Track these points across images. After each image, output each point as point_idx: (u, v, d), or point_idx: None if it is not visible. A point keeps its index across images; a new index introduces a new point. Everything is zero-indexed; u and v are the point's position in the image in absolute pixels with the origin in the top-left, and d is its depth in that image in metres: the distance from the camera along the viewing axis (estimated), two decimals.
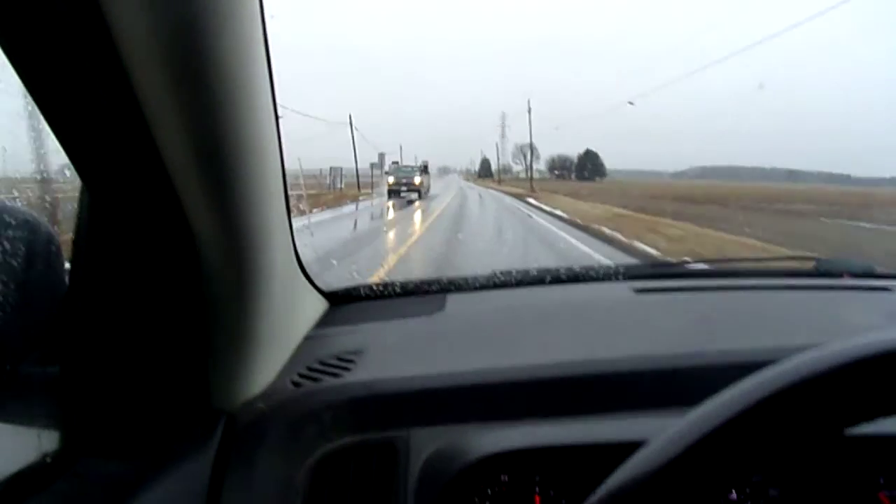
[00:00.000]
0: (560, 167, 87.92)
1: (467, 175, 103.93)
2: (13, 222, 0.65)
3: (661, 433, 0.38)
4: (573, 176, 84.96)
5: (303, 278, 1.04)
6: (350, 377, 0.85)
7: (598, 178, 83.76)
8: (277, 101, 0.70)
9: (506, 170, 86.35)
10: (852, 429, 0.36)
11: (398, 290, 1.29)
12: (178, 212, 0.63)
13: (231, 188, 0.63)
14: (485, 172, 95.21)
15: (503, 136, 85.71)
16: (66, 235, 0.70)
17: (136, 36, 0.50)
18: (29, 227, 0.67)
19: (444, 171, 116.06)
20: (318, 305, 1.14)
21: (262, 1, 0.60)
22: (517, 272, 1.35)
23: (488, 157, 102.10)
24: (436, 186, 36.61)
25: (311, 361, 0.89)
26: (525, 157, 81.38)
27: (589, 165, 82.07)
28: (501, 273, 1.34)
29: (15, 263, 0.65)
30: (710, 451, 0.36)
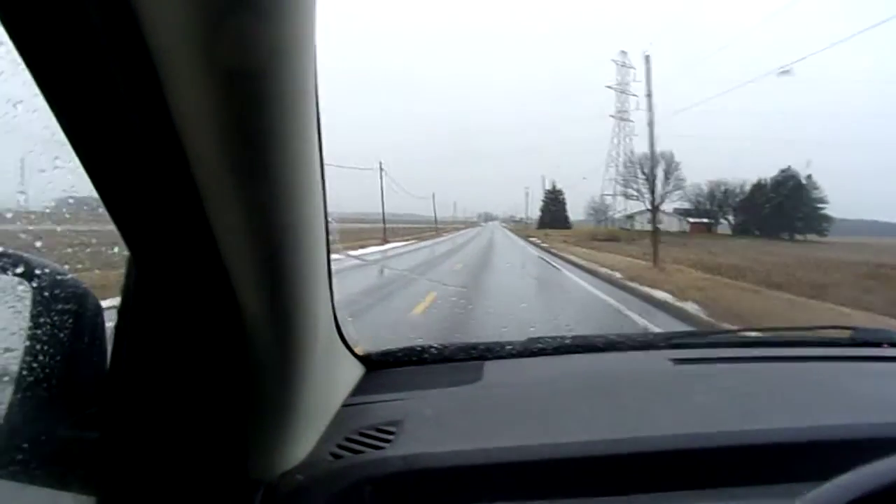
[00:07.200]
0: (709, 208, 41.18)
1: (514, 225, 66.96)
2: (63, 295, 0.68)
3: None
4: (729, 227, 40.22)
5: (341, 344, 1.04)
6: (390, 451, 0.83)
7: (799, 235, 35.14)
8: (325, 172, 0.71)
9: (598, 211, 45.48)
10: None
11: (434, 355, 1.27)
12: (226, 284, 0.63)
13: (279, 262, 0.63)
14: (553, 217, 50.53)
15: (622, 88, 40.49)
16: None
17: (192, 107, 0.50)
18: (78, 299, 0.69)
19: (486, 217, 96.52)
20: (355, 371, 1.14)
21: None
22: (554, 339, 1.33)
23: (559, 187, 53.46)
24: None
25: (350, 432, 0.88)
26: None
27: (794, 208, 34.45)
28: (538, 340, 1.32)
29: (62, 335, 0.67)
30: None
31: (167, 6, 0.44)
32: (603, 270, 13.58)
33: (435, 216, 61.37)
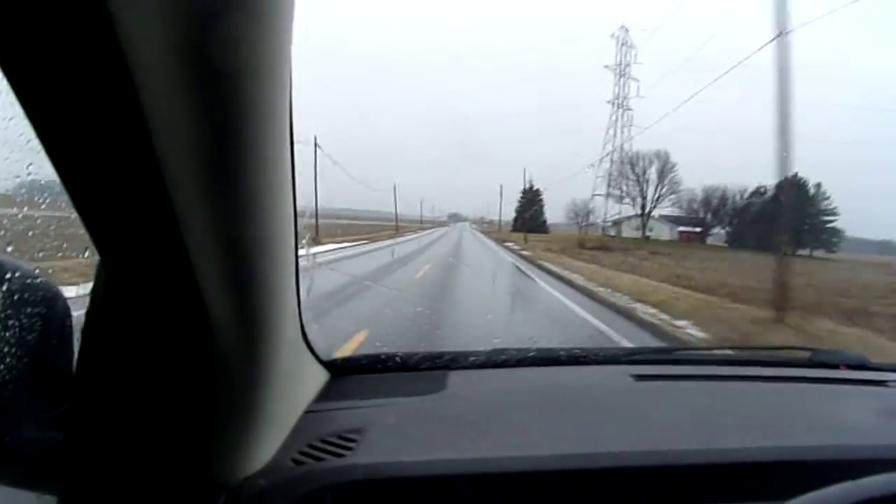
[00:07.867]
0: (702, 216, 36.74)
1: (487, 227, 63.57)
2: (33, 298, 0.68)
3: None
4: (725, 237, 35.80)
5: (306, 349, 1.05)
6: (352, 458, 0.84)
7: (802, 250, 29.96)
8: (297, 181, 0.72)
9: (580, 215, 42.01)
10: None
11: (399, 363, 1.28)
12: (193, 288, 0.64)
13: (248, 266, 0.65)
14: (530, 220, 44.69)
15: (622, 70, 35.90)
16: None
17: (160, 92, 0.50)
18: (47, 302, 0.69)
19: (456, 217, 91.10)
20: (319, 377, 1.14)
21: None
22: (517, 351, 1.35)
23: (538, 187, 47.18)
24: None
25: (313, 438, 0.89)
26: (641, 182, 33.36)
27: (800, 219, 28.86)
28: (503, 351, 1.34)
29: (30, 337, 0.67)
30: None
31: (144, 13, 0.45)
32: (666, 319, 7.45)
33: (395, 213, 53.71)
